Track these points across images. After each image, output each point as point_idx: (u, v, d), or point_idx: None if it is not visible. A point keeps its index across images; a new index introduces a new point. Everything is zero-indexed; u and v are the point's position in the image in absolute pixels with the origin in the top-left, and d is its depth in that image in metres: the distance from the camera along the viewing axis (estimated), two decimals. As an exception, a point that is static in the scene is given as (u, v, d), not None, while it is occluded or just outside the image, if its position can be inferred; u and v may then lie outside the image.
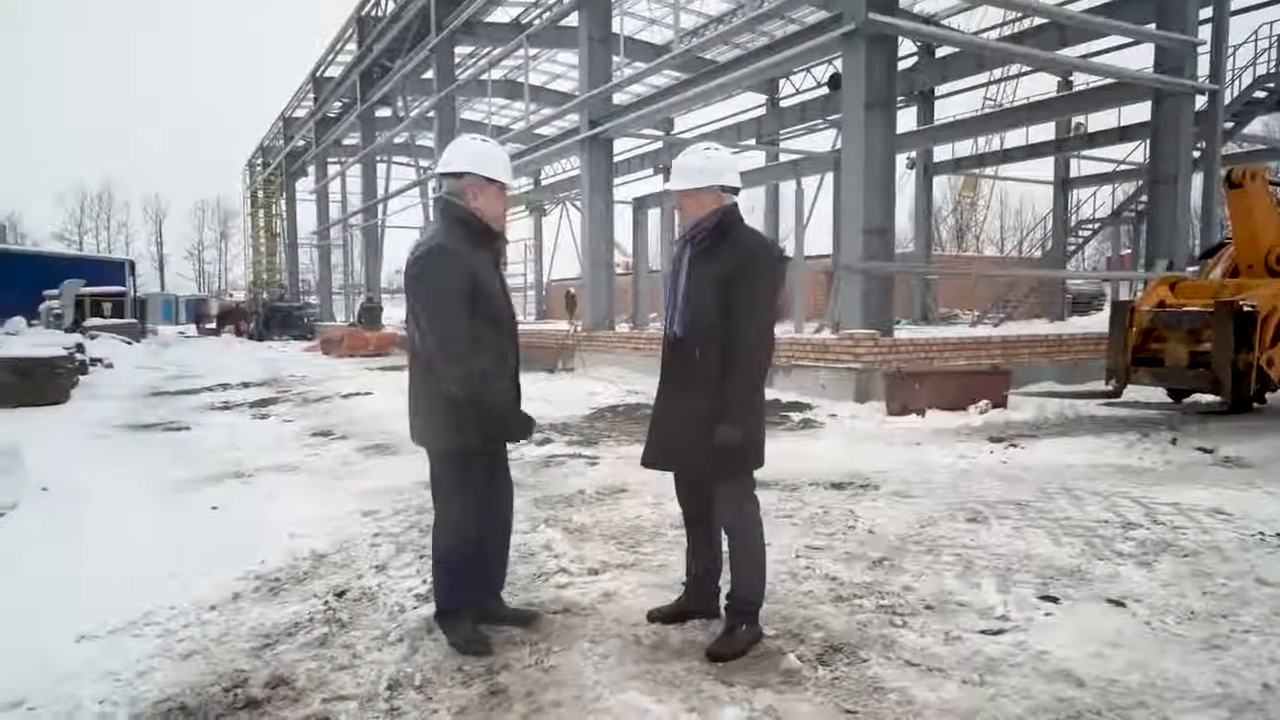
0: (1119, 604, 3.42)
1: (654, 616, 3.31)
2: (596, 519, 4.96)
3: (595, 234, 15.66)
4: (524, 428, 3.13)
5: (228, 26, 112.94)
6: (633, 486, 5.65)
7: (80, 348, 14.73)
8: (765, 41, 17.00)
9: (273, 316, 33.38)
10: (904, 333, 11.94)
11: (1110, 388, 8.43)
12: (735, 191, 3.12)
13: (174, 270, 70.52)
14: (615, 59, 15.51)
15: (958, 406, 8.48)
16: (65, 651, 3.17)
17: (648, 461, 3.20)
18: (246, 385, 14.42)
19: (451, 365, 2.87)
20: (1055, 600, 3.47)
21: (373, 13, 26.62)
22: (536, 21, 19.72)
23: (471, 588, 3.20)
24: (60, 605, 3.67)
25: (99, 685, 2.86)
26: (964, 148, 28.29)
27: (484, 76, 20.57)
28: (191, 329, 42.72)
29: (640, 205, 22.61)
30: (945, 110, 25.95)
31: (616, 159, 32.97)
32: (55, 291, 25.76)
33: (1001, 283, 26.63)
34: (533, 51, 24.98)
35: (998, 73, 26.59)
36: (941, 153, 27.37)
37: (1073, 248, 26.24)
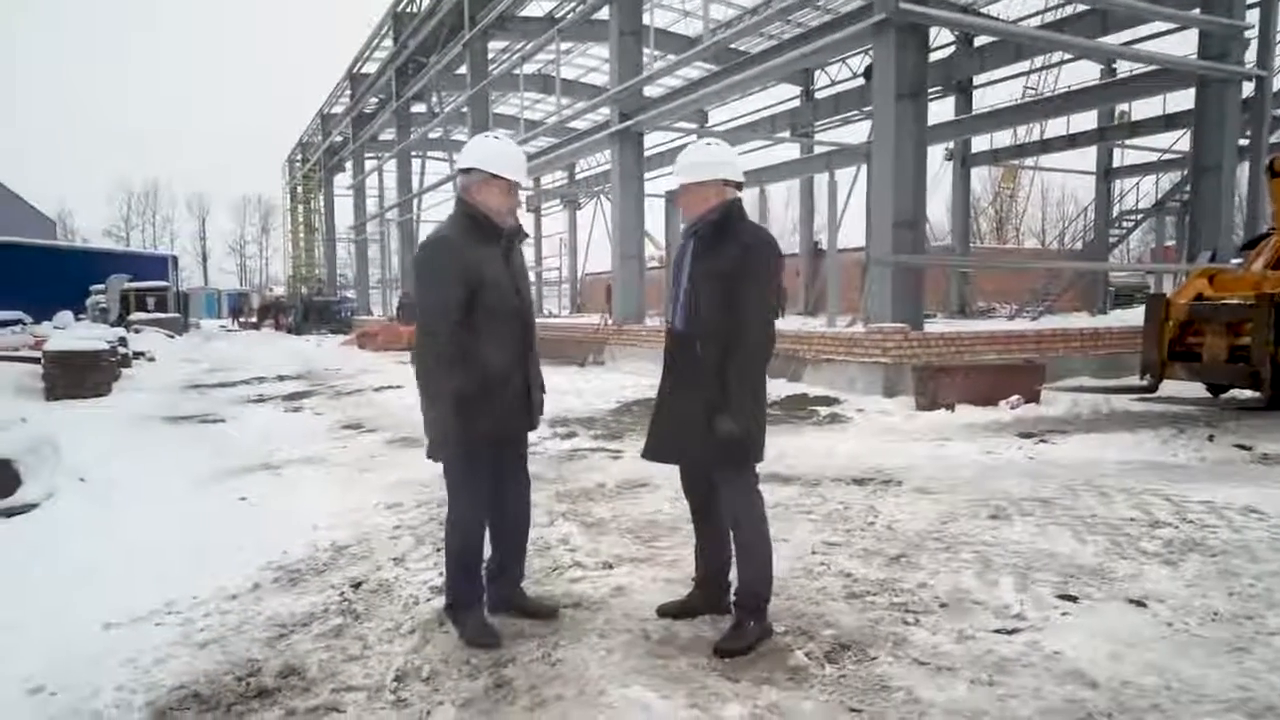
0: (1140, 604, 3.35)
1: (664, 612, 3.31)
2: (616, 513, 4.97)
3: (626, 227, 15.65)
4: (436, 453, 3.03)
5: (272, 23, 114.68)
6: (655, 480, 5.64)
7: (123, 341, 15.08)
8: (798, 31, 16.88)
9: (310, 311, 33.88)
10: (939, 326, 11.79)
11: (1145, 383, 8.24)
12: (739, 186, 3.11)
13: (217, 265, 72.07)
14: (646, 52, 15.42)
15: (988, 402, 8.35)
16: (90, 638, 3.25)
17: (649, 454, 3.19)
18: (282, 379, 14.67)
19: (423, 352, 2.99)
20: (1074, 599, 3.41)
21: (408, 9, 26.86)
22: (569, 16, 19.68)
23: (479, 580, 3.23)
24: (90, 593, 3.77)
25: (119, 672, 2.93)
26: (1002, 139, 27.83)
27: (515, 71, 20.57)
28: (232, 323, 43.48)
29: (672, 198, 22.56)
30: (985, 101, 25.51)
31: (650, 152, 33.11)
32: (101, 286, 26.42)
33: (1041, 275, 26.14)
34: (565, 46, 25.09)
35: (1039, 61, 26.01)
36: (980, 144, 26.88)
37: (1115, 239, 25.69)
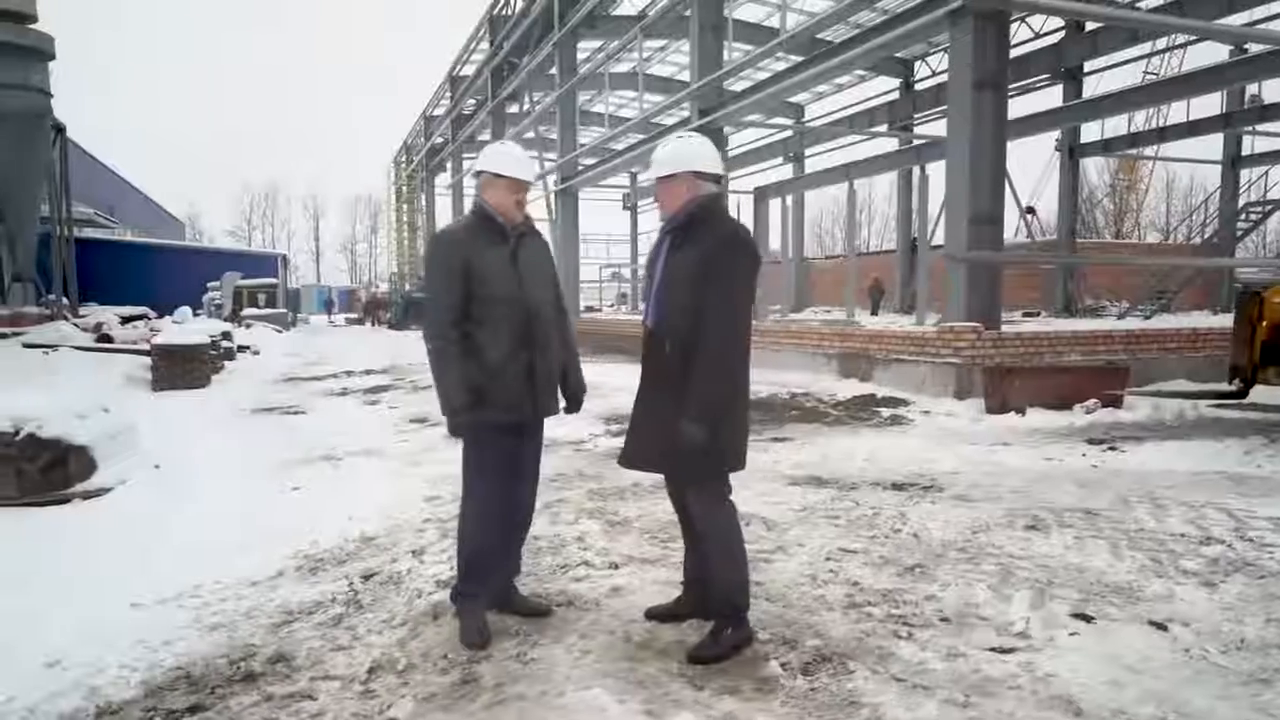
0: (1161, 627, 3.12)
1: (651, 614, 3.29)
2: (642, 512, 4.96)
3: (705, 224, 15.53)
4: (456, 428, 3.16)
5: (399, 24, 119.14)
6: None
7: (227, 335, 15.97)
8: (882, 18, 16.35)
9: (410, 306, 35.03)
10: (1033, 325, 11.28)
11: (1234, 388, 7.65)
12: (716, 180, 3.03)
13: (331, 263, 75.51)
14: (734, 45, 15.26)
15: (1064, 405, 7.94)
16: (115, 618, 3.46)
17: (623, 460, 3.16)
18: (368, 372, 15.25)
19: (428, 340, 3.15)
20: (1089, 619, 3.21)
21: (503, 11, 27.46)
22: (653, 13, 19.68)
23: (487, 574, 3.28)
24: (130, 575, 4.00)
25: (128, 651, 3.11)
26: (1116, 127, 26.26)
27: (600, 70, 20.72)
28: (340, 318, 45.43)
29: (761, 195, 22.28)
30: (1101, 88, 24.09)
31: (745, 148, 32.90)
32: (217, 284, 28.06)
33: (1158, 271, 24.57)
34: (660, 43, 25.15)
35: (1162, 42, 24.31)
36: (1093, 133, 25.43)
37: (1242, 232, 23.95)
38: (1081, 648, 2.96)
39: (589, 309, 36.19)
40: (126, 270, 28.29)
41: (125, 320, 19.67)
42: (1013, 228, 33.63)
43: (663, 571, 3.88)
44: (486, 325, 3.12)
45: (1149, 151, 30.28)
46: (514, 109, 30.35)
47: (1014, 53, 23.32)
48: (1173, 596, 3.42)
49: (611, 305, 40.99)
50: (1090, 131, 25.25)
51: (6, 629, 3.27)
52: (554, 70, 23.41)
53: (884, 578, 3.72)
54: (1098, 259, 24.75)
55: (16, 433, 5.42)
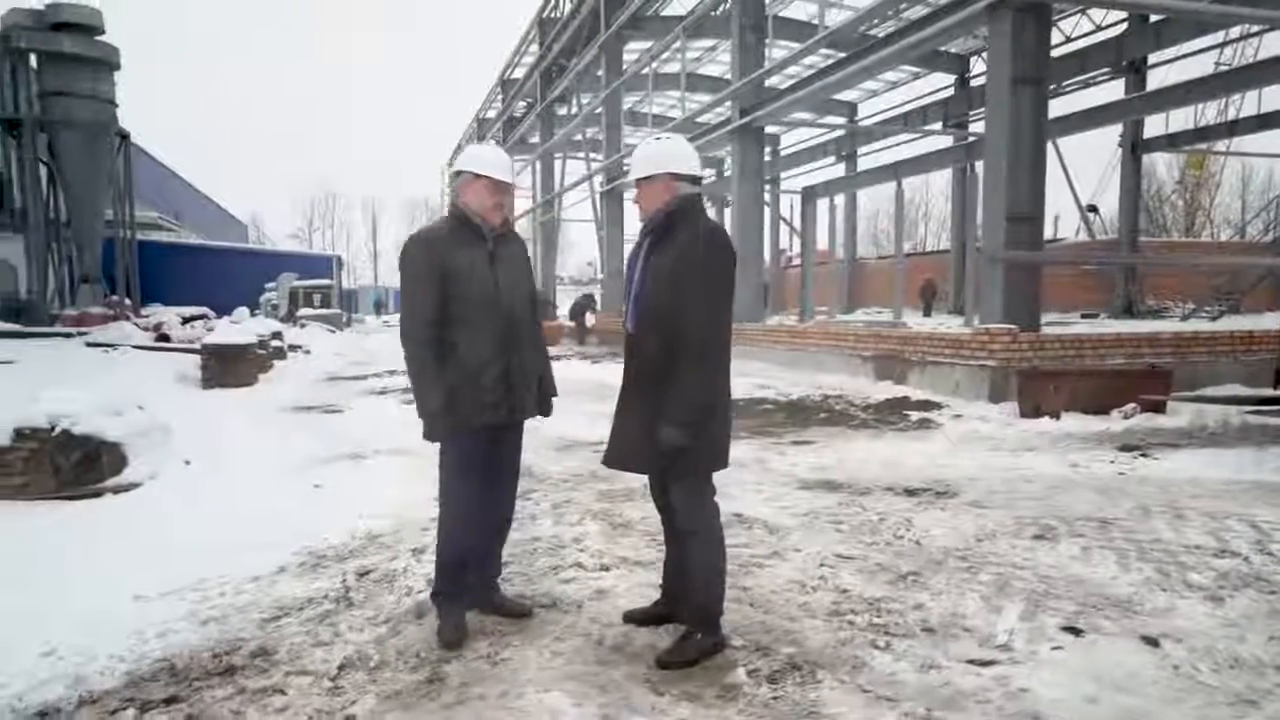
0: (1153, 643, 3.01)
1: (629, 618, 3.28)
2: (646, 514, 4.92)
3: (746, 226, 15.46)
4: (432, 431, 3.17)
5: (447, 30, 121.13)
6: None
7: (278, 335, 16.39)
8: (927, 11, 16.03)
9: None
10: (1079, 327, 10.97)
11: (1278, 393, 7.32)
12: (695, 181, 3.01)
13: (388, 263, 76.95)
14: (772, 43, 15.16)
15: (1102, 410, 7.69)
16: (116, 610, 3.57)
17: (607, 461, 3.16)
18: (412, 372, 15.46)
19: (404, 340, 3.17)
20: (1078, 633, 3.10)
21: (552, 14, 27.71)
22: (694, 13, 19.64)
23: (465, 575, 3.31)
24: (140, 567, 4.13)
25: (120, 642, 3.21)
26: (1185, 121, 25.30)
27: (644, 70, 20.75)
28: (395, 319, 46.22)
29: (809, 194, 22.08)
30: (1168, 82, 23.20)
31: (797, 147, 32.61)
32: (273, 284, 28.87)
33: (1225, 271, 23.58)
34: (710, 43, 25.10)
35: (1235, 31, 23.21)
36: (1157, 128, 24.50)
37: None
38: (1063, 662, 2.86)
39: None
40: (190, 272, 29.31)
41: (186, 320, 20.37)
42: (1073, 226, 32.83)
43: (653, 574, 3.84)
44: (463, 327, 3.13)
45: (1219, 146, 29.18)
46: (563, 111, 30.61)
47: (1073, 46, 22.82)
48: (1173, 611, 3.29)
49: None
50: (1156, 126, 24.42)
51: (13, 619, 3.40)
52: (601, 72, 23.55)
53: (875, 585, 3.66)
54: (1152, 259, 23.81)
55: (52, 428, 5.65)
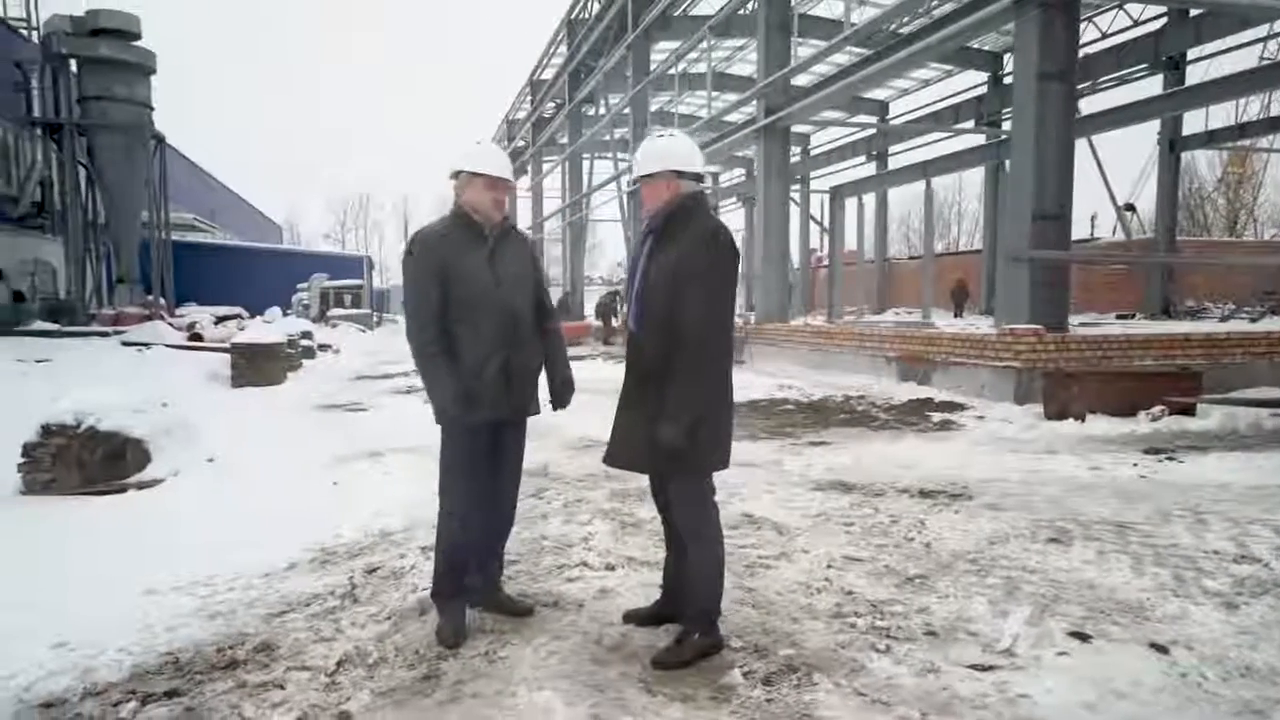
0: (1162, 650, 2.94)
1: (629, 618, 3.28)
2: (657, 514, 4.91)
3: (771, 225, 15.38)
4: (448, 423, 3.19)
5: (482, 27, 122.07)
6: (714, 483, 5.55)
7: (307, 335, 16.61)
8: (952, 7, 15.83)
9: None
10: (1111, 328, 10.76)
11: (1312, 395, 7.12)
12: (698, 179, 3.00)
13: (419, 264, 77.55)
14: (798, 41, 15.06)
15: (1129, 412, 7.53)
16: (129, 604, 3.63)
17: (607, 459, 3.15)
18: (438, 371, 15.58)
19: (409, 339, 3.20)
20: (1086, 638, 3.04)
21: (581, 15, 27.79)
22: (720, 12, 19.57)
23: (465, 573, 3.32)
24: (156, 562, 4.19)
25: (130, 636, 3.26)
26: (1226, 118, 24.69)
27: (672, 71, 20.74)
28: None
29: (837, 194, 21.91)
30: (1209, 77, 22.67)
31: (827, 147, 32.40)
32: (305, 285, 29.27)
33: (1267, 271, 22.95)
34: (739, 42, 25.01)
35: (1280, 23, 22.58)
36: (1196, 124, 23.96)
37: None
38: (1067, 668, 2.81)
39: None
40: (224, 272, 29.82)
41: (220, 320, 20.69)
42: (1110, 225, 32.22)
43: (658, 574, 3.81)
44: (464, 324, 3.16)
45: (1262, 143, 28.50)
46: (591, 112, 30.68)
47: (1110, 42, 22.42)
48: (1185, 617, 3.22)
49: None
50: (1196, 123, 23.88)
51: (31, 611, 3.48)
52: (629, 72, 23.56)
53: (881, 588, 3.61)
54: (1185, 259, 23.29)
55: (78, 425, 5.77)
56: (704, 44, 18.56)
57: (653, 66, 23.11)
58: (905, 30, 20.11)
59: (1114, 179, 24.12)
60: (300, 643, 3.17)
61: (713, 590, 2.98)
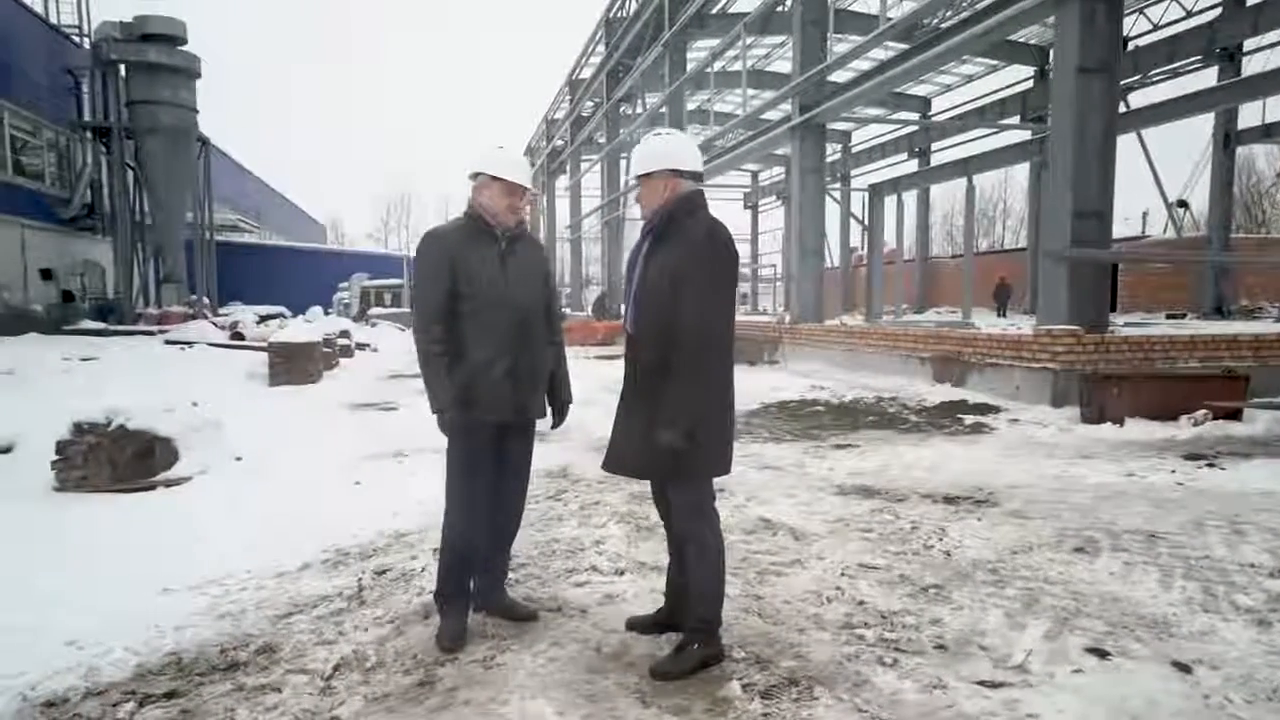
0: (1185, 669, 2.80)
1: (632, 625, 3.22)
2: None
3: (806, 223, 15.20)
4: (445, 425, 3.16)
5: (522, 27, 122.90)
6: (732, 486, 5.46)
7: (345, 334, 16.81)
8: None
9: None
10: (1160, 328, 10.43)
11: (1366, 400, 6.81)
12: (696, 178, 2.94)
13: (463, 264, 78.35)
14: (834, 37, 14.86)
15: (1171, 416, 7.28)
16: (141, 602, 3.67)
17: (606, 465, 3.10)
18: (472, 370, 15.66)
19: (415, 335, 3.20)
20: (1104, 655, 2.92)
21: (619, 14, 27.78)
22: (756, 9, 19.39)
23: (468, 576, 3.30)
24: (174, 560, 4.23)
25: (138, 634, 3.29)
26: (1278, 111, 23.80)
27: (707, 69, 20.62)
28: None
29: (876, 192, 21.59)
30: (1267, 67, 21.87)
31: (869, 144, 31.97)
32: (346, 284, 29.70)
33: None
34: (778, 39, 24.79)
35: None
36: (1253, 118, 23.15)
37: None
38: (1081, 687, 2.69)
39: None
40: (268, 271, 30.37)
41: (262, 319, 21.08)
42: (1162, 223, 31.31)
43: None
44: (471, 324, 3.14)
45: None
46: (628, 110, 30.66)
47: (1162, 34, 21.79)
48: (1212, 634, 3.07)
49: (730, 305, 40.64)
50: (1252, 116, 23.07)
51: (46, 607, 3.53)
52: (665, 70, 23.49)
53: (894, 598, 3.51)
54: (1236, 257, 22.49)
55: (108, 423, 5.87)
56: (741, 41, 18.37)
57: (691, 65, 23.02)
58: (947, 25, 19.74)
59: (1166, 174, 23.49)
60: (302, 645, 3.16)
61: (713, 600, 2.91)
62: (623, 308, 3.11)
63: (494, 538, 3.40)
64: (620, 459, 3.01)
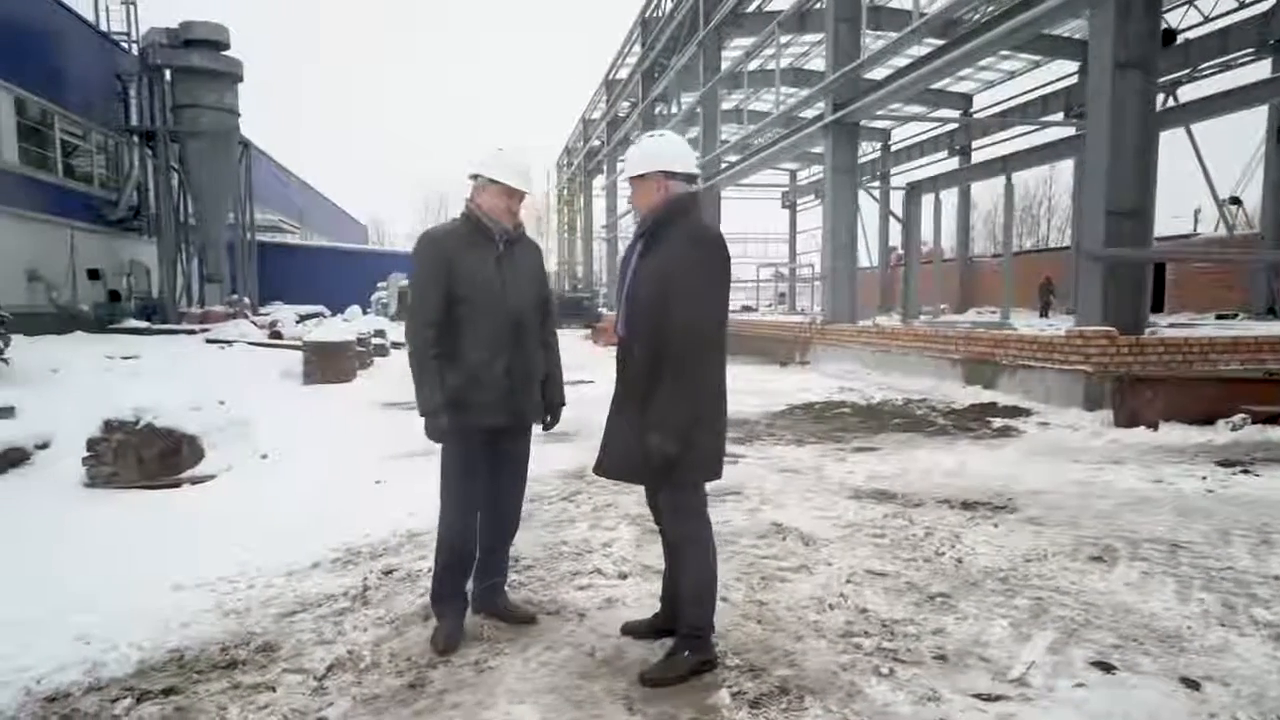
0: (1193, 685, 2.71)
1: (626, 630, 3.20)
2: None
3: (838, 222, 15.04)
4: (433, 431, 3.14)
5: (564, 28, 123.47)
6: (748, 489, 5.44)
7: (380, 333, 17.01)
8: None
9: (563, 306, 36.07)
10: (1206, 329, 10.12)
11: None
12: (690, 180, 2.91)
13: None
14: (867, 33, 14.68)
15: (1208, 420, 7.07)
16: (152, 599, 3.73)
17: (598, 469, 3.08)
18: (503, 370, 15.76)
19: (409, 336, 3.18)
20: (1109, 669, 2.83)
21: (654, 14, 27.79)
22: (788, 8, 19.24)
23: (463, 579, 3.31)
24: (188, 557, 4.30)
25: (145, 630, 3.35)
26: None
27: (739, 69, 20.51)
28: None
29: (914, 190, 21.28)
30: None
31: (908, 142, 31.55)
32: (384, 283, 30.04)
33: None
34: (815, 37, 24.58)
35: None
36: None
37: None
38: (1081, 701, 2.61)
39: (745, 308, 35.92)
40: (309, 271, 30.87)
41: (302, 318, 21.41)
42: (1213, 221, 30.41)
43: (669, 584, 3.77)
44: (467, 326, 3.14)
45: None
46: (663, 110, 30.63)
47: (1212, 26, 21.19)
48: (1226, 649, 2.96)
49: (769, 304, 40.53)
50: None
51: (60, 601, 3.61)
52: (700, 70, 23.42)
53: (898, 606, 3.45)
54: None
55: (137, 422, 6.01)
56: (775, 40, 18.24)
57: (726, 64, 22.92)
58: (984, 20, 19.37)
59: (1218, 171, 22.81)
60: (301, 644, 3.20)
61: (704, 606, 2.88)
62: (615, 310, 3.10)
63: (491, 539, 3.40)
64: (613, 464, 3.00)
